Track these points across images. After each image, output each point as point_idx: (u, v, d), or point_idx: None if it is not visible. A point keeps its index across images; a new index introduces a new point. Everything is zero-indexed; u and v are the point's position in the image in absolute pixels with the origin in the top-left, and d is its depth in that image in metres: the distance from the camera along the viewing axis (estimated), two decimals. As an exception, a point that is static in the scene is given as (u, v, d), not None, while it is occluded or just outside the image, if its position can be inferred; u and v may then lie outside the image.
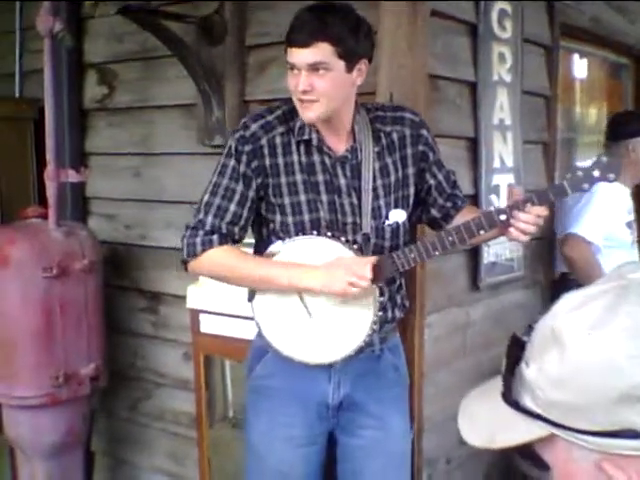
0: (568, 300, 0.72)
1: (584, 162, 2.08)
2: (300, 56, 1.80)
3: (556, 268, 3.28)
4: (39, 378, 2.63)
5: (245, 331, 2.45)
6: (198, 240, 1.91)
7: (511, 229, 1.86)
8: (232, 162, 1.92)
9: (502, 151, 2.83)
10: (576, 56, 3.97)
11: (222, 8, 2.64)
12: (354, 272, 1.82)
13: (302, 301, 1.91)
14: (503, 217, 1.85)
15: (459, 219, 2.03)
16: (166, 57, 2.81)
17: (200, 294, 2.58)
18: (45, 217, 2.73)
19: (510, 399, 0.73)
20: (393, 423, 2.09)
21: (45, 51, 2.61)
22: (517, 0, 2.86)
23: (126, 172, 3.19)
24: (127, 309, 3.22)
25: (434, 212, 2.09)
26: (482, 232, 1.88)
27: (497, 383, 0.76)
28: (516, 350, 0.75)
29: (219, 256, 1.92)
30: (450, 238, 1.87)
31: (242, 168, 1.91)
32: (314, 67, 1.80)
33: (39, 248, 2.65)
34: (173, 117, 3.02)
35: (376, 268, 1.85)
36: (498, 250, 2.84)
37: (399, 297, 2.06)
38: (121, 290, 3.21)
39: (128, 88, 3.16)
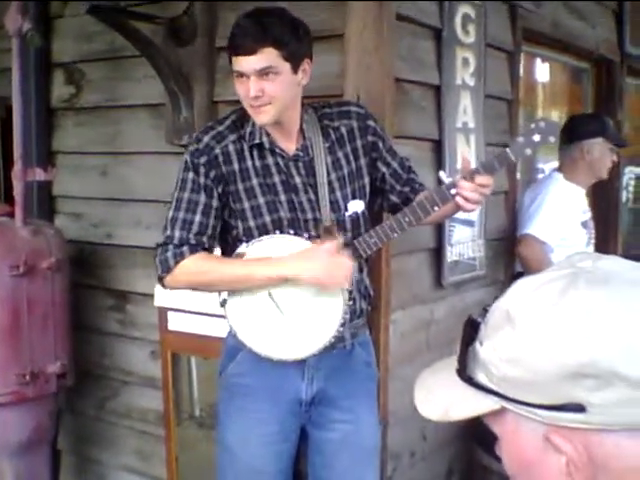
0: (522, 285, 0.77)
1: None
2: (248, 64, 1.83)
3: (515, 267, 3.36)
4: (5, 376, 2.62)
5: (213, 328, 2.47)
6: (169, 254, 1.93)
7: (457, 198, 1.93)
8: (191, 175, 1.95)
9: (465, 153, 2.89)
10: (538, 60, 4.05)
11: (191, 9, 2.66)
12: (336, 278, 1.88)
13: (272, 299, 1.94)
14: (454, 191, 1.93)
15: None
16: (134, 57, 2.81)
17: (167, 292, 2.59)
18: (12, 216, 2.72)
19: (465, 375, 0.77)
20: (364, 417, 2.13)
21: (13, 50, 2.60)
22: (480, 0, 2.91)
23: (93, 171, 3.19)
24: (94, 308, 3.22)
25: (394, 198, 2.14)
26: (436, 208, 1.94)
27: (452, 361, 0.80)
28: (470, 331, 0.80)
29: (193, 265, 1.93)
30: (407, 219, 1.94)
31: (202, 180, 1.94)
32: (263, 72, 1.84)
33: (6, 246, 2.64)
34: (141, 117, 3.03)
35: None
36: (461, 249, 2.90)
37: (363, 286, 2.10)
38: (88, 289, 3.21)
39: (96, 87, 3.16)
